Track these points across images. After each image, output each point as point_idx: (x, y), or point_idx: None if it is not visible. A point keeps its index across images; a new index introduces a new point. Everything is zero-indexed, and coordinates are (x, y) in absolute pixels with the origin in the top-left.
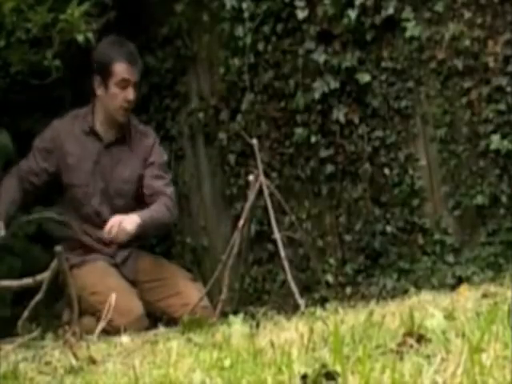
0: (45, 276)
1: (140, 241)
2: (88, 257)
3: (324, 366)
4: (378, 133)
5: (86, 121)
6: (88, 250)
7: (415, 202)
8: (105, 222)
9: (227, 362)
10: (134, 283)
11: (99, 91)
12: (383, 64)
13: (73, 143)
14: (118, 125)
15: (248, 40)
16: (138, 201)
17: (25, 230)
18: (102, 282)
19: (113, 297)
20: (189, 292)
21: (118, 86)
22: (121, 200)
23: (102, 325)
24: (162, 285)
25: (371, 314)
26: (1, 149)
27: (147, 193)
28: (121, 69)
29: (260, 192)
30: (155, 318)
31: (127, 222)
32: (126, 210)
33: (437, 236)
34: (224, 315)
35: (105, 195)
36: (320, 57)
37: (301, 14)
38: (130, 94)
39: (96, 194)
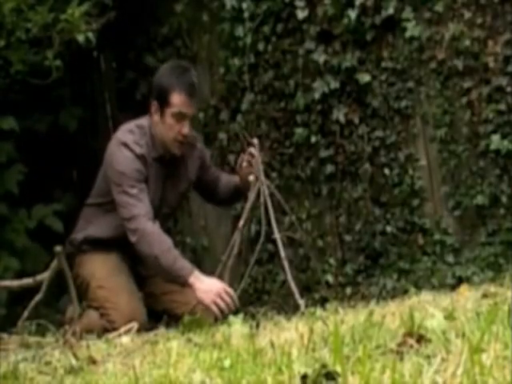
0: (45, 276)
1: None
2: (103, 246)
3: (324, 366)
4: (378, 133)
5: (154, 146)
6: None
7: (415, 202)
8: None
9: (227, 362)
10: (144, 278)
11: (155, 117)
12: (383, 64)
13: (150, 174)
14: (172, 154)
15: (248, 40)
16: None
17: (25, 226)
18: (111, 278)
19: (120, 298)
20: (193, 291)
21: (174, 118)
22: (172, 210)
23: (103, 323)
24: None
25: (371, 313)
26: (8, 133)
27: (215, 187)
28: (179, 101)
29: (260, 192)
30: (156, 317)
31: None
32: (175, 213)
33: (437, 236)
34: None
35: (164, 215)
36: (320, 57)
37: (301, 14)
38: (186, 128)
39: (158, 218)
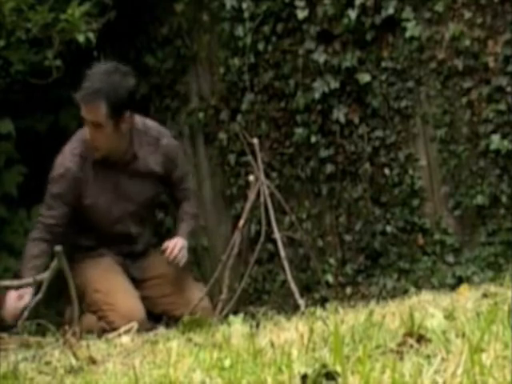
0: (45, 276)
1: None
2: (94, 252)
3: (324, 366)
4: (378, 133)
5: (92, 156)
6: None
7: (415, 202)
8: (133, 237)
9: (227, 362)
10: (140, 282)
11: None
12: (383, 64)
13: (89, 182)
14: (121, 150)
15: (248, 40)
16: (158, 200)
17: (25, 227)
18: (106, 280)
19: (116, 298)
20: (191, 291)
21: (85, 124)
22: (145, 209)
23: (102, 325)
24: (165, 282)
25: (371, 314)
26: (5, 136)
27: (179, 192)
28: (82, 107)
29: (260, 192)
30: (155, 318)
31: (184, 251)
32: (151, 213)
33: (437, 236)
34: (224, 315)
35: (130, 214)
36: (320, 57)
37: (301, 14)
38: (87, 132)
39: (122, 218)
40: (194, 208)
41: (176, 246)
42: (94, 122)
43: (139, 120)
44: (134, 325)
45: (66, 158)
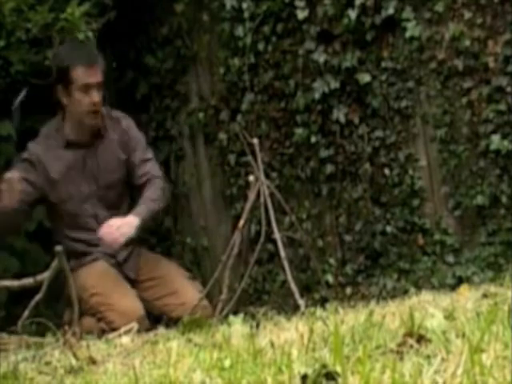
0: (45, 276)
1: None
2: (87, 257)
3: (324, 366)
4: (378, 133)
5: (60, 136)
6: (85, 255)
7: (415, 202)
8: (100, 222)
9: (227, 362)
10: (135, 282)
11: (64, 100)
12: (383, 64)
13: (53, 161)
14: (90, 126)
15: (248, 40)
16: (127, 186)
17: (25, 228)
18: (101, 283)
19: (113, 298)
20: (186, 291)
21: (81, 92)
22: (113, 192)
23: (102, 326)
24: (159, 283)
25: (371, 314)
26: (5, 138)
27: (139, 178)
28: (80, 73)
29: (260, 192)
30: (155, 318)
31: (126, 228)
32: (120, 199)
33: (437, 236)
34: (224, 315)
35: (98, 195)
36: (320, 57)
37: (301, 14)
38: (95, 96)
39: (89, 197)
40: (154, 193)
41: (112, 225)
42: (98, 84)
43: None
44: (134, 325)
45: (30, 145)
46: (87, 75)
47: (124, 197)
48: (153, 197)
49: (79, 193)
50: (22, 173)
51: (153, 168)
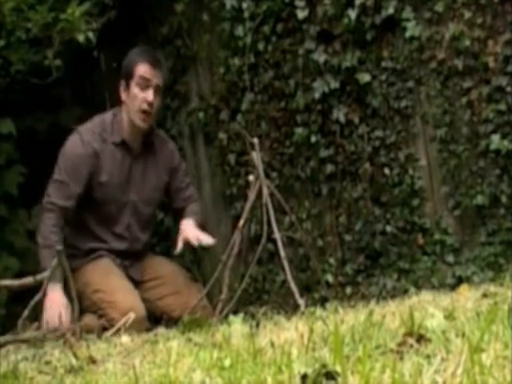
0: (45, 275)
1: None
2: (93, 255)
3: (324, 366)
4: (378, 133)
5: (117, 131)
6: (92, 252)
7: (415, 202)
8: (131, 234)
9: (227, 362)
10: (138, 282)
11: (123, 96)
12: (383, 64)
13: (107, 159)
14: (142, 133)
15: (248, 40)
16: (156, 210)
17: (25, 227)
18: (105, 280)
19: (116, 296)
20: (188, 292)
21: (139, 87)
22: (149, 208)
23: (103, 323)
24: (161, 284)
25: (371, 314)
26: (6, 136)
27: (183, 201)
28: (142, 69)
29: (260, 192)
30: (155, 318)
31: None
32: (150, 217)
33: (437, 236)
34: (224, 315)
35: (136, 206)
36: (320, 57)
37: (301, 14)
38: (150, 94)
39: (128, 206)
40: (196, 207)
41: (192, 229)
42: (157, 86)
43: None
44: (131, 315)
45: (85, 135)
46: (148, 72)
47: (153, 220)
48: (196, 209)
49: (120, 199)
50: (72, 190)
51: (194, 192)
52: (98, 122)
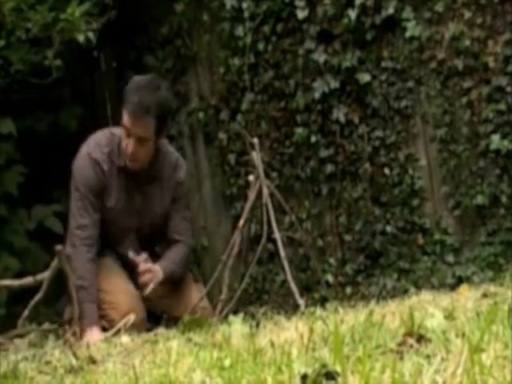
0: (45, 275)
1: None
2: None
3: (324, 365)
4: (378, 133)
5: (122, 155)
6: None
7: (415, 202)
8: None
9: (227, 362)
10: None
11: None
12: (383, 64)
13: (114, 183)
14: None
15: (248, 40)
16: (158, 236)
17: (25, 227)
18: (106, 280)
19: (117, 297)
20: (189, 292)
21: (124, 132)
22: (152, 233)
23: (103, 323)
24: (164, 283)
25: (371, 313)
26: (6, 136)
27: (172, 233)
28: (125, 117)
29: (260, 192)
30: (155, 317)
31: (156, 279)
32: (154, 239)
33: (437, 236)
34: (224, 315)
35: (139, 231)
36: (320, 57)
37: (301, 14)
38: (130, 145)
39: (131, 230)
40: (182, 258)
41: (152, 273)
42: (140, 137)
43: (164, 142)
44: (132, 317)
45: (94, 151)
46: (129, 124)
47: (160, 238)
48: (179, 260)
49: (124, 223)
50: (92, 217)
51: (187, 231)
52: (107, 140)
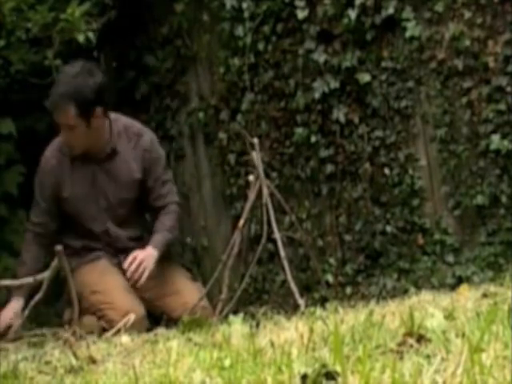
0: (45, 275)
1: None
2: (89, 256)
3: (324, 365)
4: (378, 133)
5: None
6: (88, 251)
7: (415, 202)
8: (111, 237)
9: (227, 362)
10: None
11: None
12: (383, 64)
13: (66, 174)
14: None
15: (248, 40)
16: (141, 204)
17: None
18: (103, 281)
19: (114, 297)
20: (187, 291)
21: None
22: (124, 209)
23: (102, 324)
24: (160, 283)
25: (371, 313)
26: (6, 136)
27: (155, 200)
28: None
29: (260, 192)
30: (155, 318)
31: (147, 262)
32: (132, 216)
33: (437, 236)
34: (224, 315)
35: (109, 211)
36: (320, 57)
37: (301, 14)
38: (63, 135)
39: (100, 212)
40: (172, 221)
41: (136, 259)
42: (65, 125)
43: (121, 118)
44: (131, 316)
45: (46, 154)
46: (53, 114)
47: (136, 213)
48: (169, 225)
49: (89, 210)
50: (40, 188)
51: (170, 191)
52: (58, 139)
